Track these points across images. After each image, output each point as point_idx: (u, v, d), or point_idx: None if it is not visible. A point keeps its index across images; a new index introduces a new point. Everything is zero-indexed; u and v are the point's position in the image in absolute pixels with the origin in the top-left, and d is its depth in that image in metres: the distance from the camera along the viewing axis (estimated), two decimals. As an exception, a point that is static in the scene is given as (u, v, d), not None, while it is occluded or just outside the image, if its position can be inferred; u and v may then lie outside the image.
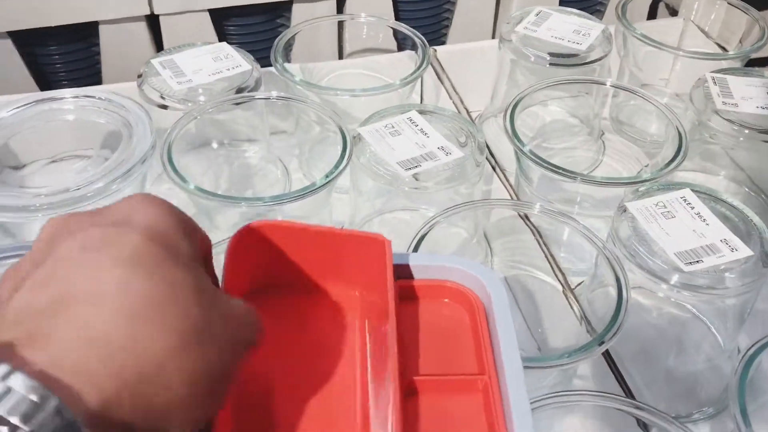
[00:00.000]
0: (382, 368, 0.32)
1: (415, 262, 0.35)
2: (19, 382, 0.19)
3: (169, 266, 0.23)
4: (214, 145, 0.67)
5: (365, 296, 0.35)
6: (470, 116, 0.70)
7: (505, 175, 0.63)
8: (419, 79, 0.72)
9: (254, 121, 0.66)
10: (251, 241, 0.33)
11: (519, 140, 0.55)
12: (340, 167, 0.52)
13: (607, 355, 0.48)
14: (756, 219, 0.48)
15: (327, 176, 0.52)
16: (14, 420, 0.18)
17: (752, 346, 0.42)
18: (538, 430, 0.44)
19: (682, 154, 0.54)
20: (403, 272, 0.35)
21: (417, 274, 0.36)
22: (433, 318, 0.35)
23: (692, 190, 0.50)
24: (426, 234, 0.50)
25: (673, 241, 0.47)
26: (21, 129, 0.54)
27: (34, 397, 0.18)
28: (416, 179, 0.53)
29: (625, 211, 0.49)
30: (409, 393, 0.32)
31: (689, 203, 0.49)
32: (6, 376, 0.19)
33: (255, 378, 0.31)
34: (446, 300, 0.36)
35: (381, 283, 0.33)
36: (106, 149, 0.55)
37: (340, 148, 0.54)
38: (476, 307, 0.34)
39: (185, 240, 0.25)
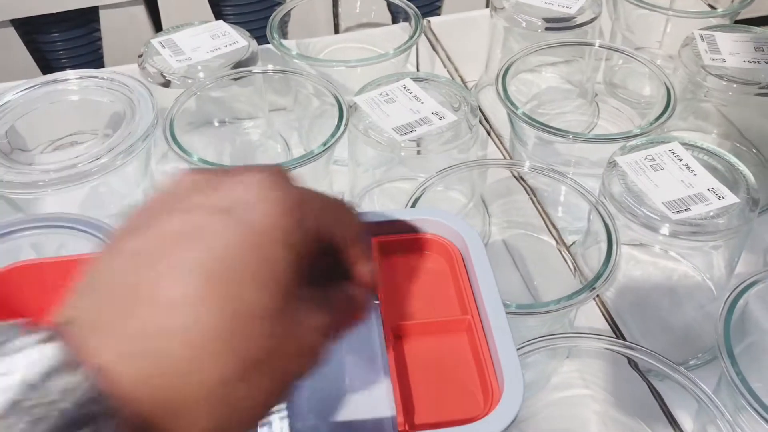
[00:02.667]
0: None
1: (392, 217, 0.37)
2: (78, 380, 0.19)
3: (254, 285, 0.22)
4: (215, 124, 0.68)
5: None
6: (465, 85, 0.71)
7: (500, 141, 0.64)
8: (414, 50, 0.73)
9: (253, 97, 0.67)
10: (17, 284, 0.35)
11: (511, 102, 0.56)
12: (337, 135, 0.54)
13: (602, 306, 0.50)
14: (742, 167, 0.49)
15: (324, 144, 0.53)
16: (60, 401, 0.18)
17: (734, 289, 0.43)
18: (529, 370, 0.46)
19: (670, 109, 0.55)
20: (384, 229, 0.37)
21: (398, 229, 0.37)
22: (414, 270, 0.37)
23: (680, 143, 0.51)
24: (420, 197, 0.52)
25: (662, 192, 0.48)
26: (28, 110, 0.56)
27: (90, 394, 0.19)
28: (417, 146, 0.55)
29: (615, 165, 0.50)
30: (396, 338, 0.33)
31: (677, 155, 0.51)
32: (71, 368, 0.19)
33: None
34: (426, 252, 0.37)
35: None
36: (110, 127, 0.57)
37: (336, 116, 0.55)
38: (454, 255, 0.36)
39: (286, 251, 0.23)
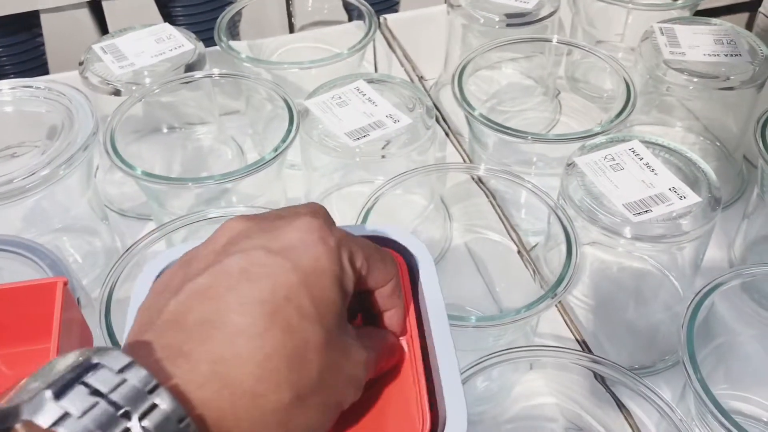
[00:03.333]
0: None
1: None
2: (163, 399, 0.20)
3: (310, 319, 0.24)
4: (164, 130, 0.66)
5: None
6: (424, 84, 0.69)
7: (459, 141, 0.63)
8: (371, 49, 0.71)
9: (203, 101, 0.65)
10: None
11: (468, 104, 0.54)
12: (288, 140, 0.51)
13: (565, 314, 0.48)
14: (703, 164, 0.48)
15: (275, 150, 0.51)
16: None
17: (698, 292, 0.42)
18: (490, 382, 0.45)
19: (630, 105, 0.54)
20: None
21: None
22: None
23: (640, 141, 0.50)
24: (375, 203, 0.50)
25: (622, 193, 0.46)
26: (-41, 123, 0.53)
27: (176, 421, 0.20)
28: (383, 154, 0.53)
29: (573, 166, 0.49)
30: None
31: (638, 154, 0.49)
32: (154, 390, 0.20)
33: None
34: None
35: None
36: (49, 139, 0.54)
37: (287, 120, 0.53)
38: (399, 268, 0.34)
39: (335, 289, 0.25)
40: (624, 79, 0.57)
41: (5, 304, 0.36)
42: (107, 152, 0.50)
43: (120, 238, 0.60)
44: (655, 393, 0.38)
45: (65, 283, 0.36)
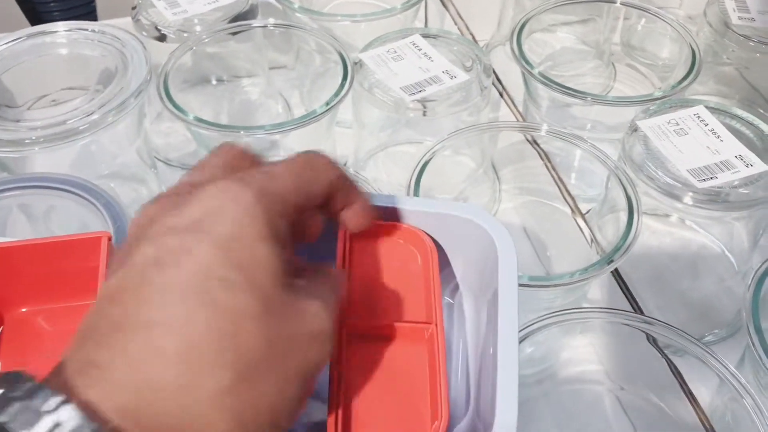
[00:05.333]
0: None
1: (413, 206, 0.34)
2: (69, 415, 0.19)
3: (239, 291, 0.22)
4: (213, 82, 0.65)
5: None
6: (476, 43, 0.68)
7: (513, 103, 0.61)
8: (422, 6, 0.69)
9: (252, 54, 0.64)
10: None
11: (527, 61, 0.53)
12: (341, 93, 0.51)
13: (619, 278, 0.47)
14: (772, 133, 0.47)
15: (327, 103, 0.50)
16: None
17: (765, 261, 0.41)
18: (539, 346, 0.44)
19: (695, 71, 0.52)
20: (396, 216, 0.34)
21: (417, 220, 0.34)
22: (385, 260, 0.34)
23: (706, 107, 0.48)
24: (428, 161, 0.49)
25: (687, 159, 0.45)
26: (14, 64, 0.52)
27: None
28: (423, 107, 0.52)
29: (636, 130, 0.47)
30: (352, 337, 0.30)
31: (703, 120, 0.48)
32: (58, 407, 0.19)
33: None
34: (401, 241, 0.34)
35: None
36: (101, 83, 0.54)
37: (341, 74, 0.52)
38: (429, 250, 0.33)
39: (265, 251, 0.23)
40: (690, 45, 0.55)
41: (47, 258, 0.35)
42: (161, 97, 0.50)
43: (165, 187, 0.60)
44: (715, 357, 0.37)
45: (109, 238, 0.34)
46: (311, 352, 0.23)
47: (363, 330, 0.30)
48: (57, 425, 0.18)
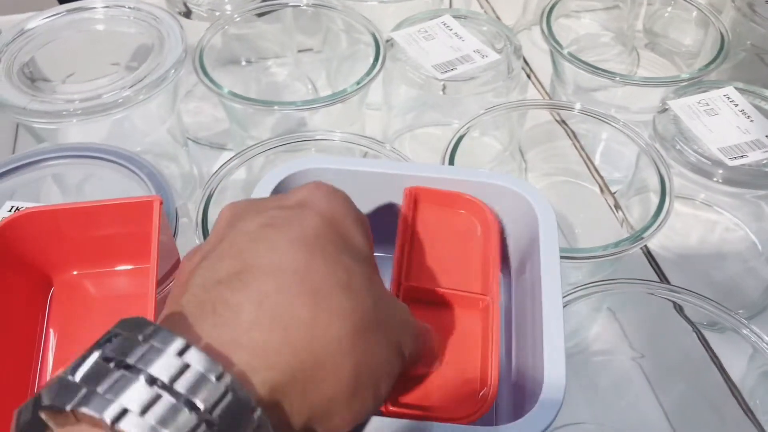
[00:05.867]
0: None
1: (458, 176, 0.34)
2: (195, 358, 0.18)
3: (347, 254, 0.23)
4: (242, 63, 0.66)
5: None
6: (501, 28, 0.69)
7: (541, 84, 0.62)
8: (449, -10, 0.70)
9: (281, 36, 0.64)
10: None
11: (556, 41, 0.53)
12: (374, 72, 0.51)
13: (649, 255, 0.48)
14: (802, 113, 0.47)
15: (359, 82, 0.51)
16: (191, 397, 0.18)
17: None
18: (568, 320, 0.44)
19: (723, 53, 0.53)
20: (443, 185, 0.35)
21: (459, 188, 0.35)
22: (446, 228, 0.35)
23: (735, 88, 0.49)
24: (462, 138, 0.49)
25: (717, 138, 0.46)
26: (52, 39, 0.53)
27: (210, 375, 0.18)
28: (451, 87, 0.52)
29: (667, 109, 0.48)
30: (410, 300, 0.31)
31: (732, 100, 0.48)
32: (183, 351, 0.18)
33: None
34: (462, 211, 0.35)
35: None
36: (137, 60, 0.55)
37: (372, 53, 0.53)
38: (491, 223, 0.34)
39: (359, 232, 0.25)
40: (719, 29, 0.55)
41: (97, 222, 0.34)
42: (197, 72, 0.51)
43: (196, 166, 0.61)
44: (748, 327, 0.38)
45: (161, 203, 0.34)
46: (403, 334, 0.24)
47: (420, 294, 0.31)
48: (186, 366, 0.18)
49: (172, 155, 0.59)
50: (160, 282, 0.32)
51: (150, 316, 0.28)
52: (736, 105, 0.48)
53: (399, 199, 0.35)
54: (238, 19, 0.58)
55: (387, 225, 0.35)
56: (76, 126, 0.49)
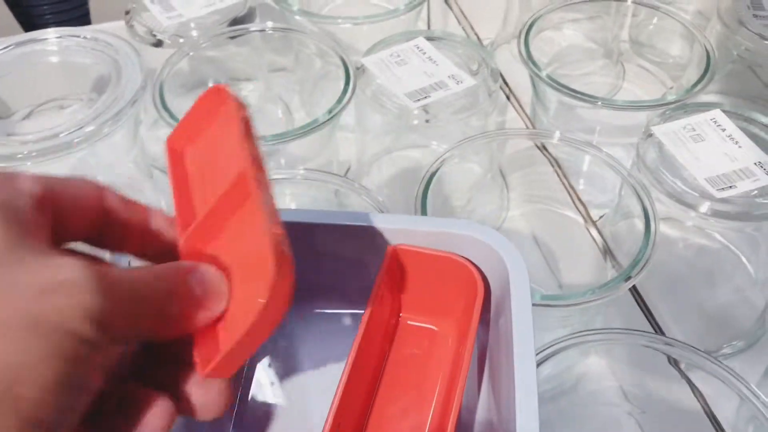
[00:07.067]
0: None
1: (424, 227, 0.33)
2: None
3: None
4: (210, 85, 0.63)
5: None
6: (481, 44, 0.66)
7: (520, 105, 0.59)
8: (425, 5, 0.67)
9: (251, 57, 0.62)
10: None
11: (534, 64, 0.51)
12: (344, 101, 0.49)
13: (633, 289, 0.46)
14: (793, 139, 0.45)
15: (330, 111, 0.49)
16: None
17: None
18: (556, 366, 0.42)
19: (709, 73, 0.50)
20: (409, 237, 0.34)
21: (424, 240, 0.34)
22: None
23: (722, 111, 0.47)
24: (437, 170, 0.47)
25: (704, 166, 0.43)
26: (4, 74, 0.51)
27: None
28: (426, 112, 0.50)
29: (650, 135, 0.46)
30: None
31: (719, 125, 0.46)
32: None
33: None
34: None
35: None
36: (95, 92, 0.52)
37: (342, 80, 0.50)
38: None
39: None
40: (703, 45, 0.53)
41: None
42: (156, 107, 0.48)
43: (163, 197, 0.58)
44: (736, 377, 0.36)
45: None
46: (62, 301, 0.18)
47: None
48: None
49: (138, 188, 0.56)
50: None
51: None
52: (724, 130, 0.45)
53: (368, 252, 0.34)
54: (204, 45, 0.55)
55: (358, 278, 0.34)
56: (34, 168, 0.47)
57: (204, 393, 0.23)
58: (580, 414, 0.43)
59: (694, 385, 0.39)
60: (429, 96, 0.48)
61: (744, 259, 0.51)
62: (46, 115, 0.54)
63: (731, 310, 0.50)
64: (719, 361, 0.38)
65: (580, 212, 0.49)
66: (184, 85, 0.61)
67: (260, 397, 0.35)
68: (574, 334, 0.37)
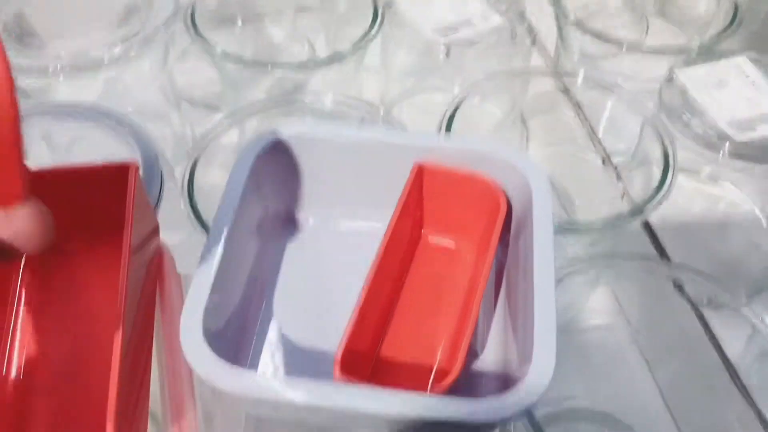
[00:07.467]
0: None
1: (450, 144, 0.34)
2: None
3: None
4: (238, 23, 0.64)
5: None
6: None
7: (546, 51, 0.60)
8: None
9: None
10: None
11: (562, 8, 0.51)
12: (370, 34, 0.49)
13: (649, 231, 0.47)
14: (816, 86, 0.45)
15: (355, 45, 0.49)
16: None
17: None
18: (563, 294, 0.44)
19: (736, 22, 0.51)
20: (434, 154, 0.34)
21: (450, 159, 0.34)
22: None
23: (748, 58, 0.47)
24: (459, 106, 0.48)
25: (726, 110, 0.44)
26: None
27: None
28: (450, 51, 0.51)
29: (673, 79, 0.46)
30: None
31: (744, 72, 0.46)
32: None
33: None
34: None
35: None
36: (127, 15, 0.53)
37: (370, 14, 0.51)
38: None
39: None
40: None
41: (63, 188, 0.30)
42: (188, 30, 0.49)
43: (189, 127, 0.59)
44: (749, 307, 0.37)
45: (137, 170, 0.30)
46: None
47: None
48: None
49: (165, 115, 0.57)
50: (134, 251, 0.30)
51: (121, 287, 0.27)
52: (748, 76, 0.46)
53: (392, 168, 0.35)
54: (233, -24, 0.56)
55: (381, 194, 0.35)
56: (65, 84, 0.48)
57: (8, 226, 0.22)
58: (587, 343, 0.44)
59: (700, 313, 0.40)
60: (457, 31, 0.49)
61: (757, 210, 0.51)
62: (78, 36, 0.55)
63: (742, 258, 0.51)
64: (718, 281, 0.39)
65: (600, 155, 0.50)
66: (211, 20, 0.62)
67: (283, 304, 0.36)
68: (577, 260, 0.38)
